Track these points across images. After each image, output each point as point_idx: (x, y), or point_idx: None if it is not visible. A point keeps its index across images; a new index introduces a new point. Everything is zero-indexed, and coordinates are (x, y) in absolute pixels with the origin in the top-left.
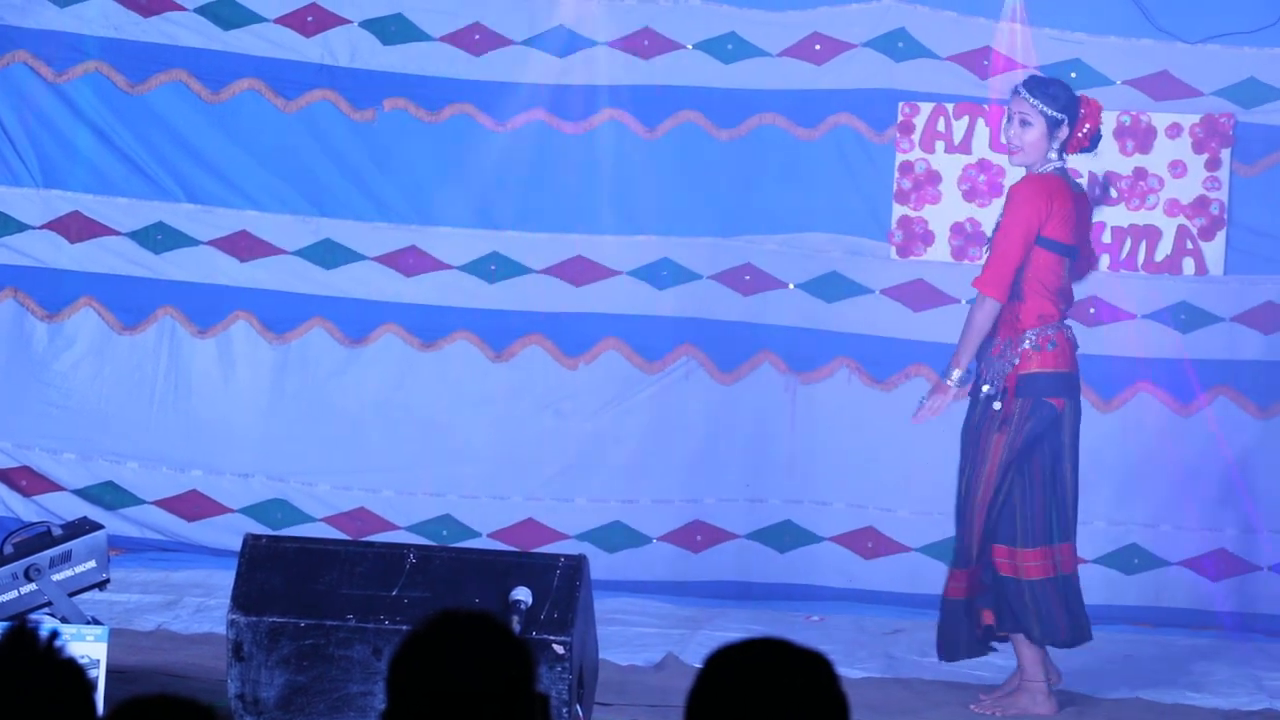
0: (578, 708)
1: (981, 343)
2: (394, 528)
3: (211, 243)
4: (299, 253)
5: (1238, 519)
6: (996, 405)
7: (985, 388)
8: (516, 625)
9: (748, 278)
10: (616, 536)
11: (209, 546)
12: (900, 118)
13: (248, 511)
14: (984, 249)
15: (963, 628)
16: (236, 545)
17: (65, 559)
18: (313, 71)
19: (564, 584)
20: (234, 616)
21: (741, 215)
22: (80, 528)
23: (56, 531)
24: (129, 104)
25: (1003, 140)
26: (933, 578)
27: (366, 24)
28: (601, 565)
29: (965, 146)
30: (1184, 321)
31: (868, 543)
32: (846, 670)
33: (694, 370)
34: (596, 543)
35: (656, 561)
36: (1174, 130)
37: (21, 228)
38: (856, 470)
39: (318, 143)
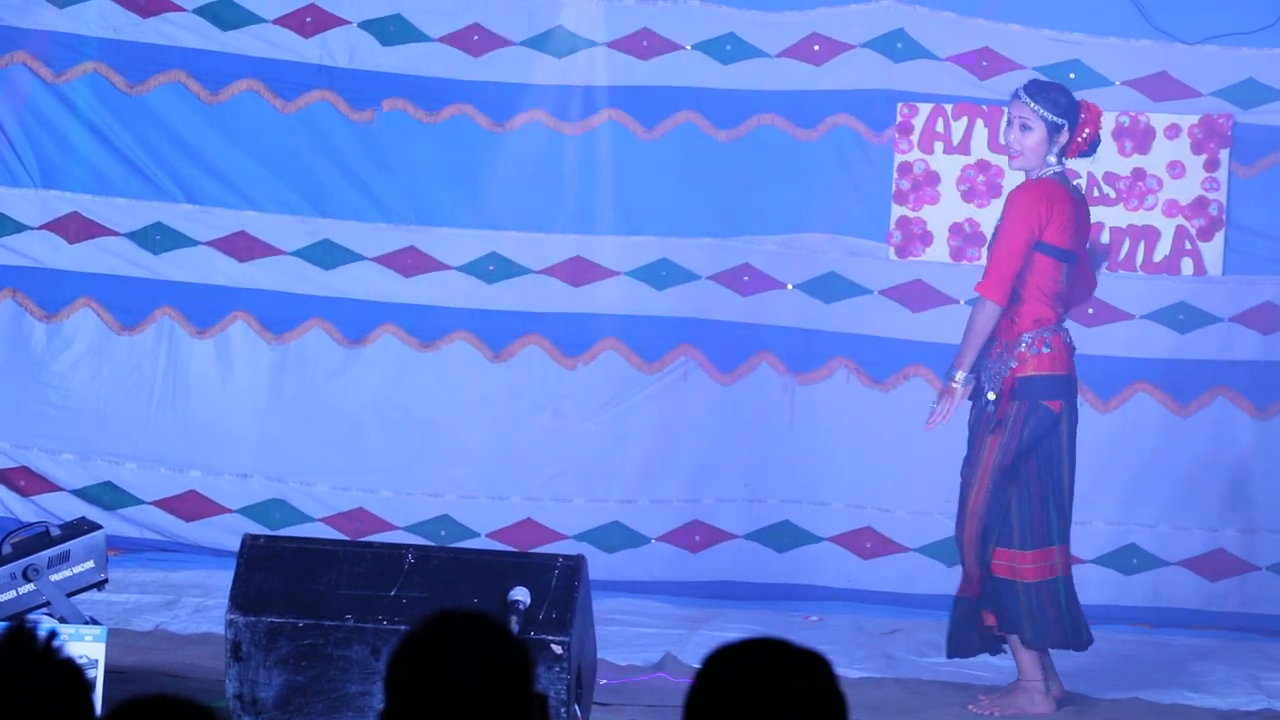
0: (576, 708)
1: (983, 345)
2: (392, 528)
3: (210, 243)
4: (298, 253)
5: (1236, 519)
6: (991, 408)
7: (990, 395)
8: (515, 625)
9: (746, 278)
10: (615, 537)
11: (207, 547)
12: (899, 118)
13: (246, 512)
14: (984, 250)
15: (973, 626)
16: (235, 545)
17: (64, 559)
18: (311, 72)
19: (562, 584)
20: (232, 616)
21: (740, 216)
22: (79, 528)
23: (55, 532)
24: (128, 105)
25: (1001, 141)
26: (931, 578)
27: (365, 25)
28: (600, 565)
29: (964, 147)
30: (1182, 322)
31: (866, 543)
32: (845, 670)
33: (693, 371)
34: (595, 543)
35: (655, 562)
36: (1172, 131)
37: (20, 228)
38: (855, 470)
39: (316, 143)
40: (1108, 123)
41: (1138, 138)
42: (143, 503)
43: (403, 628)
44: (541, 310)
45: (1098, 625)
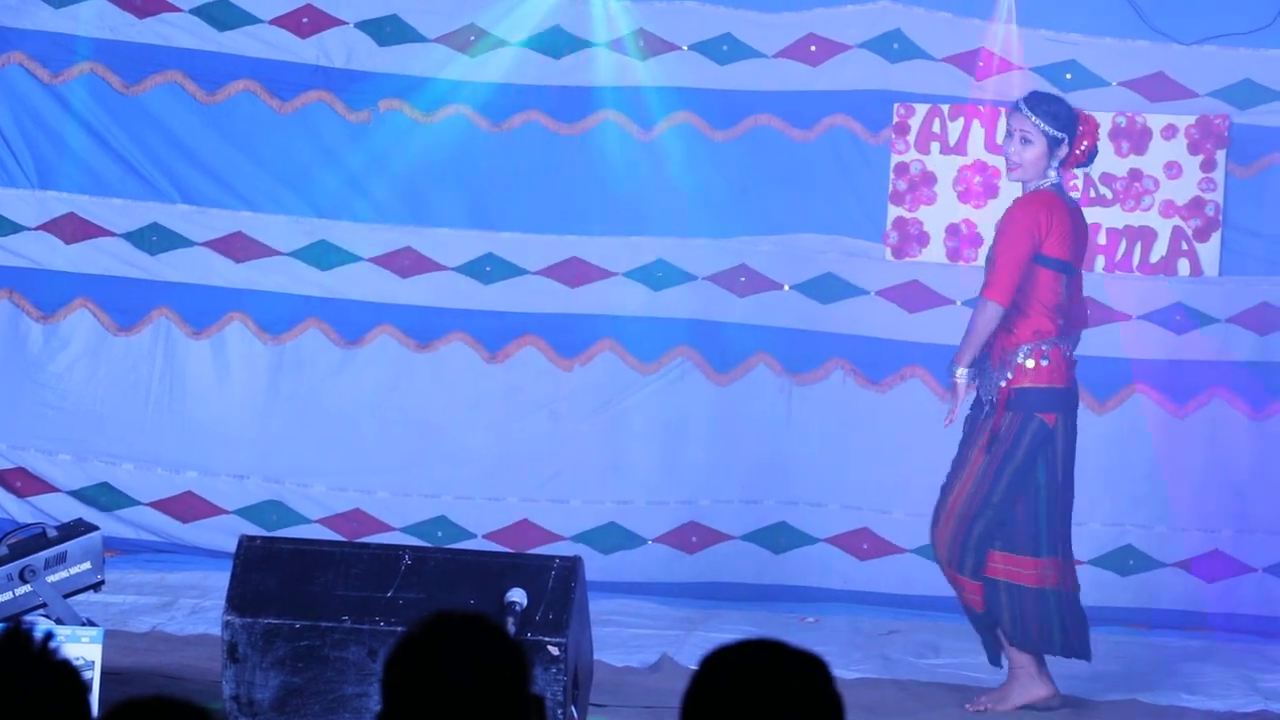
0: (572, 709)
1: (983, 348)
2: (389, 529)
3: (207, 244)
4: (294, 254)
5: (1232, 520)
6: (986, 417)
7: (986, 405)
8: (511, 627)
9: (743, 279)
10: (612, 538)
11: (204, 548)
12: (895, 119)
13: (243, 513)
14: (980, 251)
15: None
16: (232, 547)
17: (60, 560)
18: (308, 73)
19: (559, 585)
20: (229, 618)
21: (737, 216)
22: (75, 529)
23: (51, 533)
24: (124, 105)
25: (998, 140)
26: (928, 579)
27: (362, 25)
28: (597, 566)
29: (960, 148)
30: (1179, 323)
31: (863, 544)
32: (842, 671)
33: (689, 371)
34: (592, 544)
35: (652, 563)
36: (1169, 131)
37: (16, 229)
38: (852, 471)
39: (313, 144)
40: (1104, 123)
41: (1134, 138)
42: (139, 504)
43: (399, 629)
44: (538, 311)
45: (1094, 627)
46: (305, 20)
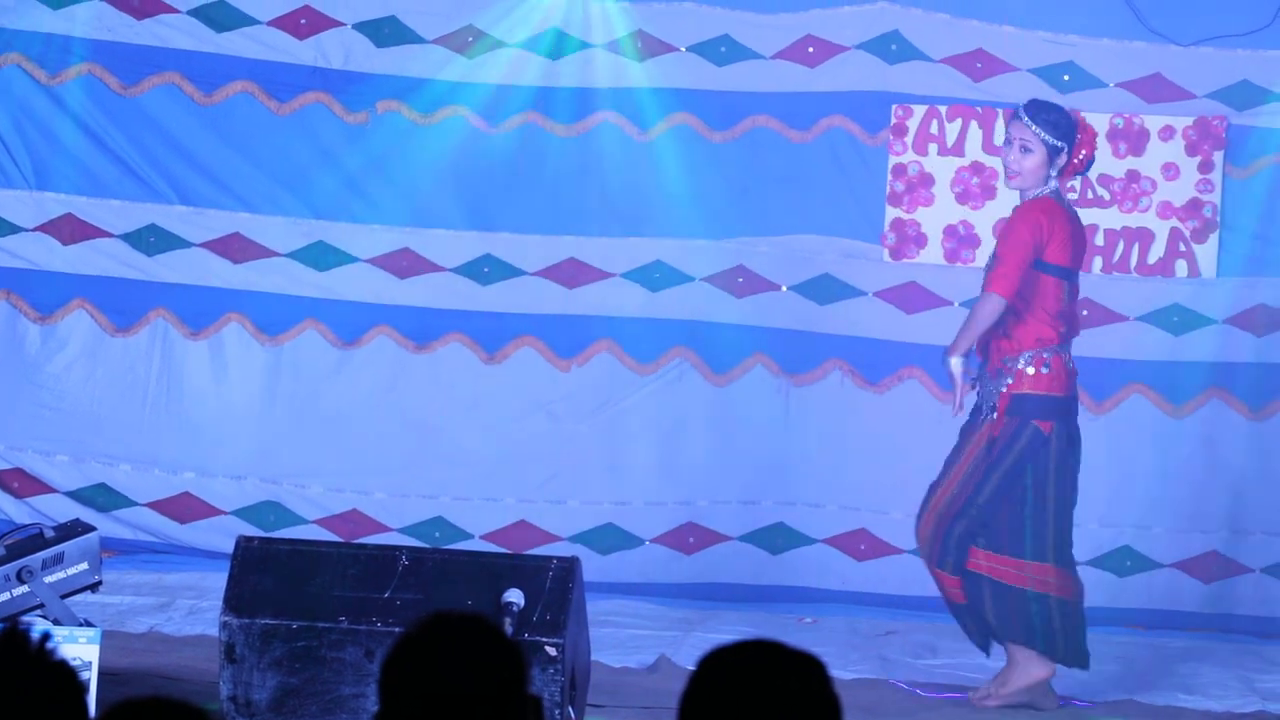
0: (570, 710)
1: (980, 354)
2: (386, 530)
3: (204, 245)
4: (292, 255)
5: (1230, 521)
6: (984, 422)
7: (985, 410)
8: (509, 627)
9: (741, 280)
10: (609, 538)
11: (201, 549)
12: (893, 120)
13: (240, 514)
14: (978, 251)
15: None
16: (229, 547)
17: (57, 561)
18: (306, 74)
19: (556, 586)
20: (226, 618)
21: (734, 217)
22: (73, 530)
23: (49, 533)
24: (121, 106)
25: (996, 142)
26: (926, 580)
27: (359, 26)
28: (594, 567)
29: (958, 149)
30: (1176, 324)
31: (860, 545)
32: (839, 672)
33: (687, 372)
34: (589, 544)
35: (649, 563)
36: (1167, 133)
37: (14, 230)
38: (849, 472)
39: (311, 145)
40: (1102, 124)
41: (1132, 140)
42: (137, 504)
43: (397, 630)
44: (536, 312)
45: (1092, 627)
46: (303, 21)
